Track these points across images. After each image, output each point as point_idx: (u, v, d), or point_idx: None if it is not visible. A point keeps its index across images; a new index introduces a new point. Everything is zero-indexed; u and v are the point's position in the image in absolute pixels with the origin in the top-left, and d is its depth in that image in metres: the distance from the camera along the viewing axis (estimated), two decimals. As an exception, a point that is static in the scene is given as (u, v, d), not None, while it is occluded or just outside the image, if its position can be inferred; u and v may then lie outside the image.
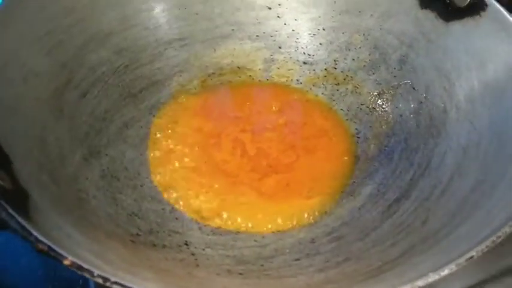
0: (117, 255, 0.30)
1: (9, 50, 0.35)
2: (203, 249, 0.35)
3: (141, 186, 0.39)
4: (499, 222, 0.27)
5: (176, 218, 0.38)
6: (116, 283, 0.23)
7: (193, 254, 0.34)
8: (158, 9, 0.47)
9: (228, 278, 0.32)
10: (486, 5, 0.39)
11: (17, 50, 0.36)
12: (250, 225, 0.38)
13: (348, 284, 0.29)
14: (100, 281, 0.23)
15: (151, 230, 0.36)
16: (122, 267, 0.27)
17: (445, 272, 0.24)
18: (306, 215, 0.38)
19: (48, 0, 0.39)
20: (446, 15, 0.42)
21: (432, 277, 0.23)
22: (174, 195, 0.39)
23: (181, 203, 0.39)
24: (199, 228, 0.37)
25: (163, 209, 0.38)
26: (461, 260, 0.24)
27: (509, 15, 0.38)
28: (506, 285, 0.39)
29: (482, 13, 0.40)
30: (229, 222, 0.38)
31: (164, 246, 0.34)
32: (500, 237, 0.25)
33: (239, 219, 0.38)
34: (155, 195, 0.39)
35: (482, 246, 0.24)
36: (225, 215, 0.39)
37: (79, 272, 0.23)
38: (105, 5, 0.44)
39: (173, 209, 0.38)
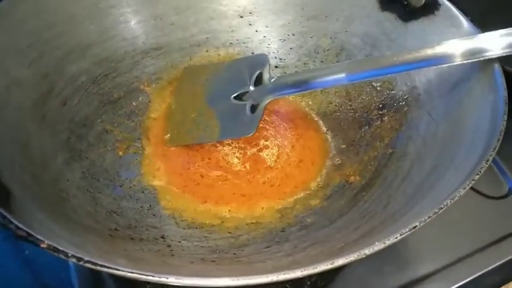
0: (94, 246, 0.32)
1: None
2: (179, 242, 0.37)
3: (120, 186, 0.41)
4: (444, 199, 0.29)
5: (154, 215, 0.40)
6: (88, 262, 0.25)
7: (169, 246, 0.36)
8: (135, 21, 0.49)
9: (201, 265, 0.34)
10: (439, 5, 0.42)
11: (0, 60, 0.38)
12: (224, 221, 0.40)
13: (311, 264, 0.31)
14: (74, 260, 0.25)
15: (130, 226, 0.38)
16: (97, 255, 0.29)
17: (390, 241, 0.26)
18: (279, 207, 0.41)
19: (29, 13, 0.42)
20: (404, 16, 0.45)
21: (378, 246, 0.25)
22: (153, 194, 0.41)
23: (160, 200, 0.41)
24: (176, 223, 0.39)
25: (141, 206, 0.40)
26: (406, 229, 0.26)
27: (459, 12, 0.41)
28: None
29: (436, 12, 0.42)
30: (205, 219, 0.40)
31: (141, 239, 0.36)
32: (442, 208, 0.27)
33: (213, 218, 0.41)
34: (134, 195, 0.41)
35: (426, 218, 0.27)
36: (201, 211, 0.41)
37: (55, 254, 0.25)
38: (85, 18, 0.46)
39: (151, 207, 0.40)
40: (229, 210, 0.41)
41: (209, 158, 0.44)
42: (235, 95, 0.44)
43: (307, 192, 0.42)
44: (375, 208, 0.36)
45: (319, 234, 0.36)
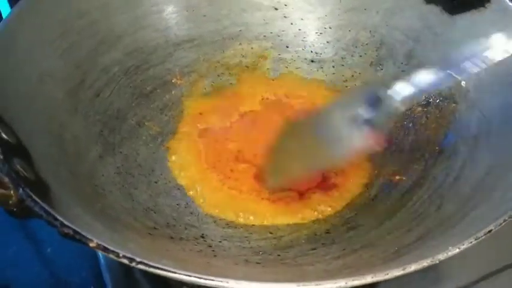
0: (136, 244, 0.30)
1: (25, 51, 0.37)
2: (220, 242, 0.36)
3: (156, 182, 0.40)
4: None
5: (191, 213, 0.38)
6: (141, 263, 0.23)
7: (210, 246, 0.35)
8: (168, 11, 0.48)
9: (246, 267, 0.32)
10: (491, -4, 0.40)
11: (33, 51, 0.37)
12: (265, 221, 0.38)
13: (366, 268, 0.29)
14: (126, 261, 0.23)
15: (168, 224, 0.36)
16: (142, 255, 0.27)
17: (464, 245, 0.24)
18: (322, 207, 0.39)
19: (61, 3, 0.40)
20: (451, 8, 0.43)
21: (452, 251, 0.24)
22: (190, 191, 0.40)
23: (196, 198, 0.39)
24: (215, 222, 0.38)
25: (178, 204, 0.39)
26: (481, 234, 0.24)
27: (513, 5, 0.39)
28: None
29: (487, 4, 0.40)
30: (242, 218, 0.39)
31: (181, 238, 0.35)
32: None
33: (251, 217, 0.39)
34: (170, 191, 0.39)
35: (500, 221, 0.25)
36: (239, 211, 0.39)
37: (105, 254, 0.23)
38: (117, 7, 0.45)
39: (188, 204, 0.39)
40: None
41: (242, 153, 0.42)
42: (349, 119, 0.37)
43: (352, 192, 0.40)
44: (426, 210, 0.35)
45: (369, 236, 0.34)
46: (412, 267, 0.23)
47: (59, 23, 0.40)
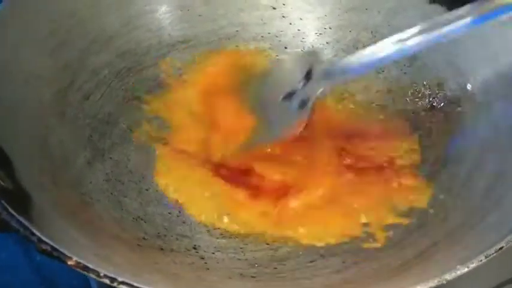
0: (124, 258, 0.29)
1: (11, 50, 0.35)
2: (213, 253, 0.34)
3: (147, 190, 0.38)
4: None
5: (184, 222, 0.36)
6: (123, 283, 0.21)
7: (202, 258, 0.33)
8: (161, 11, 0.46)
9: (240, 281, 0.31)
10: (497, -2, 0.38)
11: (19, 50, 0.36)
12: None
13: (367, 283, 0.28)
14: (107, 281, 0.21)
15: (159, 234, 0.34)
16: (129, 270, 0.26)
17: (473, 264, 0.22)
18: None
19: (50, 0, 0.39)
20: (456, 8, 0.41)
21: (461, 270, 0.22)
22: (182, 199, 0.38)
23: (188, 206, 0.37)
24: (208, 231, 0.36)
25: (170, 213, 0.37)
26: (491, 251, 0.23)
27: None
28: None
29: (494, 4, 0.39)
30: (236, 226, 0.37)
31: (172, 250, 0.33)
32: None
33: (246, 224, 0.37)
34: (161, 199, 0.37)
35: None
36: (232, 219, 0.37)
37: (84, 273, 0.22)
38: (108, 6, 0.43)
39: (180, 213, 0.37)
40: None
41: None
42: (283, 96, 0.39)
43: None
44: (431, 220, 0.33)
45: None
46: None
47: (47, 22, 0.38)
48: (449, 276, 0.22)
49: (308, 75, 0.37)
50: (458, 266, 0.22)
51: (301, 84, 0.38)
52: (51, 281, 0.42)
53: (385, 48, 0.33)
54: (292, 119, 0.38)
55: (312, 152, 0.39)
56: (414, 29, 0.33)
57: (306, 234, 0.35)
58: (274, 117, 0.39)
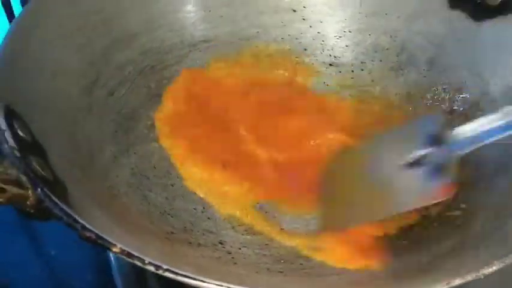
0: (157, 250, 0.29)
1: (40, 45, 0.35)
2: (239, 248, 0.34)
3: (172, 185, 0.38)
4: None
5: (208, 218, 0.37)
6: (168, 270, 0.22)
7: (229, 253, 0.33)
8: (184, 11, 0.46)
9: (268, 275, 0.31)
10: (519, 3, 0.39)
11: (47, 46, 0.36)
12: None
13: (395, 280, 0.28)
14: (152, 268, 0.22)
15: (185, 229, 0.35)
16: (165, 261, 0.26)
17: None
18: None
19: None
20: (477, 14, 0.42)
21: (487, 269, 0.22)
22: (206, 195, 0.38)
23: (213, 202, 0.38)
24: (233, 228, 0.36)
25: (195, 208, 0.37)
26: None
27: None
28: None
29: (515, 11, 0.39)
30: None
31: (199, 244, 0.34)
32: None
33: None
34: (186, 195, 0.38)
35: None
36: (256, 216, 0.37)
37: (129, 260, 0.22)
38: (132, 5, 0.43)
39: (205, 209, 0.37)
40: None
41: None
42: (404, 163, 0.34)
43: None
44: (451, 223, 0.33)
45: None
46: (456, 281, 0.22)
47: (73, 20, 0.39)
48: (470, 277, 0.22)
49: (437, 142, 0.33)
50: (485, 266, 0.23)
51: (430, 150, 0.33)
52: (61, 277, 0.43)
53: None
54: (426, 186, 0.33)
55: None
56: None
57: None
58: (399, 186, 0.35)
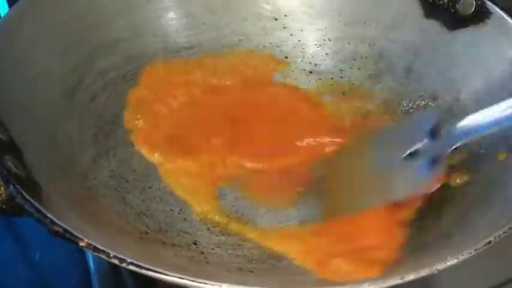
0: (128, 250, 0.29)
1: (24, 48, 0.36)
2: (212, 249, 0.35)
3: (150, 188, 0.39)
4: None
5: (184, 219, 0.37)
6: (132, 264, 0.22)
7: (202, 253, 0.34)
8: (167, 18, 0.47)
9: (239, 274, 0.32)
10: (491, 13, 0.40)
11: (31, 49, 0.37)
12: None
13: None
14: (116, 261, 0.22)
15: (161, 229, 0.35)
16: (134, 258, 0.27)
17: (464, 256, 0.23)
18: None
19: (62, 4, 0.40)
20: (451, 24, 0.43)
21: (451, 261, 0.23)
22: (183, 196, 0.39)
23: (189, 203, 0.38)
24: (208, 229, 0.37)
25: (171, 209, 0.38)
26: (480, 245, 0.24)
27: (513, 21, 0.39)
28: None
29: (486, 20, 0.41)
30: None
31: (173, 244, 0.34)
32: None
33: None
34: (164, 196, 0.39)
35: (500, 232, 0.24)
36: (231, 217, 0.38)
37: (95, 253, 0.23)
38: (116, 12, 0.44)
39: (181, 210, 0.38)
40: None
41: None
42: (405, 155, 0.37)
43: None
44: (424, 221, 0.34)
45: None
46: (411, 276, 0.23)
47: (57, 25, 0.40)
48: (440, 266, 0.23)
49: (434, 133, 0.36)
50: (448, 257, 0.24)
51: (428, 142, 0.37)
52: (48, 279, 0.42)
53: None
54: (423, 176, 0.37)
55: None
56: None
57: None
58: (399, 175, 0.38)
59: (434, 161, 0.36)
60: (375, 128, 0.44)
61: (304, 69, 0.49)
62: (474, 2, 0.41)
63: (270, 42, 0.50)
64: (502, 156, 0.36)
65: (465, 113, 0.39)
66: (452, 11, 0.43)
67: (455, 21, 0.43)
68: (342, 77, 0.48)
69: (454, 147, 0.35)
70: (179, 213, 0.38)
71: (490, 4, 0.41)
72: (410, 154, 0.37)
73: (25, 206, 0.24)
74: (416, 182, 0.37)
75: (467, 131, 0.34)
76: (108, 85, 0.43)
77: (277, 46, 0.50)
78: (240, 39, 0.49)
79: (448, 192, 0.36)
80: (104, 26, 0.43)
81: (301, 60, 0.50)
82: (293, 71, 0.49)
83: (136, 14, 0.46)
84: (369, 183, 0.38)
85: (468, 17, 0.42)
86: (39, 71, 0.37)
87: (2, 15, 0.41)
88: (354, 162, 0.41)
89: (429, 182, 0.36)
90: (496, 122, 0.33)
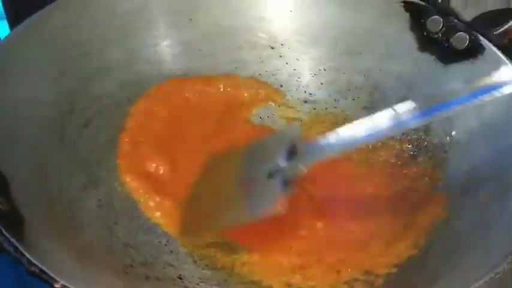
0: (109, 285, 0.29)
1: (15, 75, 0.37)
2: (197, 284, 0.35)
3: (138, 217, 0.39)
4: (496, 259, 0.26)
5: (171, 251, 0.37)
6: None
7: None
8: (162, 45, 0.47)
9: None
10: (484, 49, 0.40)
11: (22, 76, 0.37)
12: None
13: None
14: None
15: (146, 262, 0.35)
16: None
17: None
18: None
19: (57, 30, 0.41)
20: (445, 58, 0.43)
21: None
22: (171, 228, 0.39)
23: (176, 236, 0.38)
24: (195, 262, 0.37)
25: (159, 241, 0.38)
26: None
27: (505, 57, 0.39)
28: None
29: (479, 56, 0.41)
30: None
31: (157, 278, 0.34)
32: (498, 273, 0.24)
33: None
34: (151, 227, 0.38)
35: (480, 282, 0.24)
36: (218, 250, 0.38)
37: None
38: (111, 39, 0.44)
39: (168, 242, 0.38)
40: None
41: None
42: (267, 173, 0.36)
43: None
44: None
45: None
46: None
47: (52, 51, 0.40)
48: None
49: (292, 153, 0.35)
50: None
51: (285, 161, 0.35)
52: None
53: (376, 124, 0.34)
54: (275, 197, 0.35)
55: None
56: (407, 105, 0.34)
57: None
58: (256, 195, 0.36)
59: (285, 182, 0.35)
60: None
61: (299, 98, 0.49)
62: (468, 37, 0.41)
63: (266, 71, 0.50)
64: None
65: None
66: (447, 44, 0.43)
67: (449, 55, 0.43)
68: (336, 107, 0.48)
69: (304, 167, 0.34)
70: (166, 245, 0.37)
71: (483, 39, 0.41)
72: (272, 174, 0.35)
73: (3, 244, 0.24)
74: (268, 203, 0.35)
75: (320, 150, 0.34)
76: (102, 112, 0.42)
77: (273, 74, 0.50)
78: (236, 67, 0.49)
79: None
80: (99, 52, 0.43)
81: (296, 89, 0.50)
82: (288, 100, 0.49)
83: (131, 41, 0.46)
84: (230, 201, 0.37)
85: (462, 51, 0.42)
86: (31, 97, 0.37)
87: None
88: (221, 176, 0.40)
89: (276, 203, 0.34)
90: (351, 142, 0.34)
